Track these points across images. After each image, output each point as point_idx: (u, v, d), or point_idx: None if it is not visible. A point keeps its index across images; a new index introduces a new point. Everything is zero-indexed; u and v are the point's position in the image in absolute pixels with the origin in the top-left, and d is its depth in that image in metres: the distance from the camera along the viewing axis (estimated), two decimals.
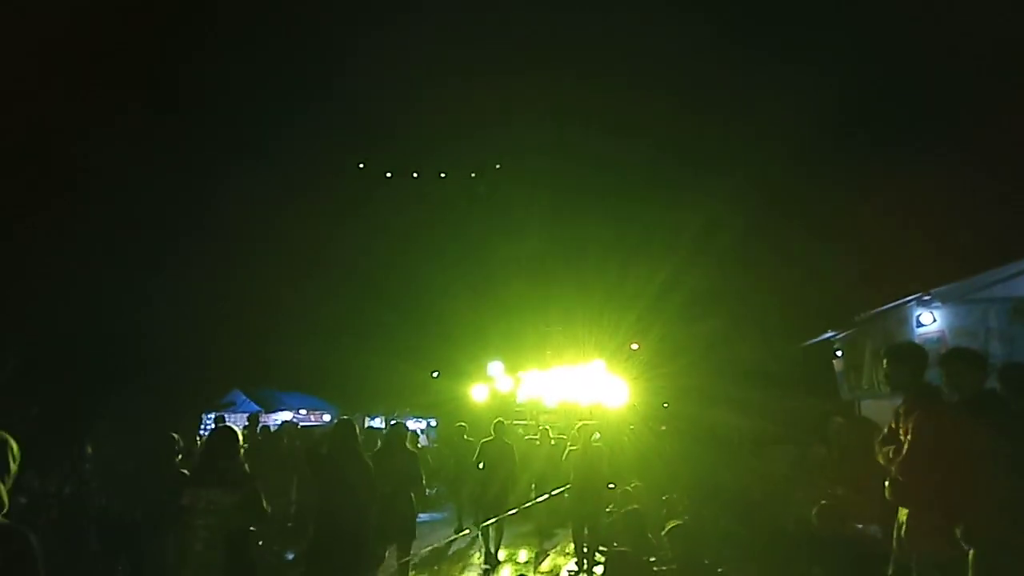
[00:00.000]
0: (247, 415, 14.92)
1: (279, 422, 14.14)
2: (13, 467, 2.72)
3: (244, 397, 17.09)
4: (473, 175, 34.85)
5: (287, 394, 18.37)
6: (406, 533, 7.01)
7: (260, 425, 12.79)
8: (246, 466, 4.85)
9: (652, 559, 6.14)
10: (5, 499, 2.59)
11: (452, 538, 9.46)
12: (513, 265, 26.76)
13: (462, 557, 9.55)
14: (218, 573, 4.39)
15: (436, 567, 8.78)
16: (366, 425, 17.65)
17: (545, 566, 9.39)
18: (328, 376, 19.56)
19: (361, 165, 33.58)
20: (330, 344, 20.00)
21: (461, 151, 32.94)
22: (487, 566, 8.73)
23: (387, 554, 6.75)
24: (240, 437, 4.97)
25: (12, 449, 2.78)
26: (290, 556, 8.04)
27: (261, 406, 16.43)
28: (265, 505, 4.71)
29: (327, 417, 18.91)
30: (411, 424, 19.02)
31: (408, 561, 7.00)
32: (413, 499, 7.22)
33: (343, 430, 6.29)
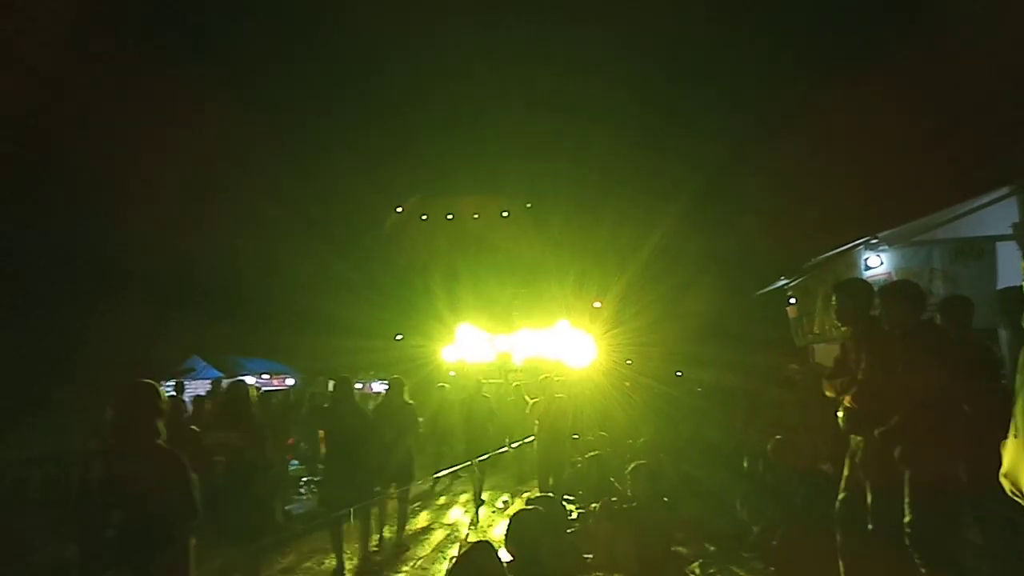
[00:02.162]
0: (209, 381, 14.76)
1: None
2: (163, 407, 3.69)
3: (204, 363, 16.86)
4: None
5: (248, 359, 18.17)
6: (405, 473, 7.88)
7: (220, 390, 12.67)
8: (255, 415, 5.62)
9: (614, 499, 6.32)
10: (163, 431, 3.57)
11: (438, 477, 10.42)
12: (480, 228, 26.71)
13: (448, 494, 10.89)
14: (233, 500, 5.09)
15: (429, 501, 10.32)
16: (330, 387, 17.60)
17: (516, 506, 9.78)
18: (289, 340, 19.40)
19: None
20: (291, 307, 19.79)
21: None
22: (473, 501, 9.79)
23: (390, 490, 7.71)
24: (253, 392, 5.73)
25: (160, 392, 3.77)
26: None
27: (221, 371, 16.23)
28: (269, 445, 5.61)
29: (290, 381, 18.80)
30: (376, 386, 19.07)
31: (406, 496, 7.97)
32: (411, 445, 8.03)
33: (343, 387, 7.18)
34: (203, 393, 13.04)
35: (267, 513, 5.71)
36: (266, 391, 14.74)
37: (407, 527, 8.08)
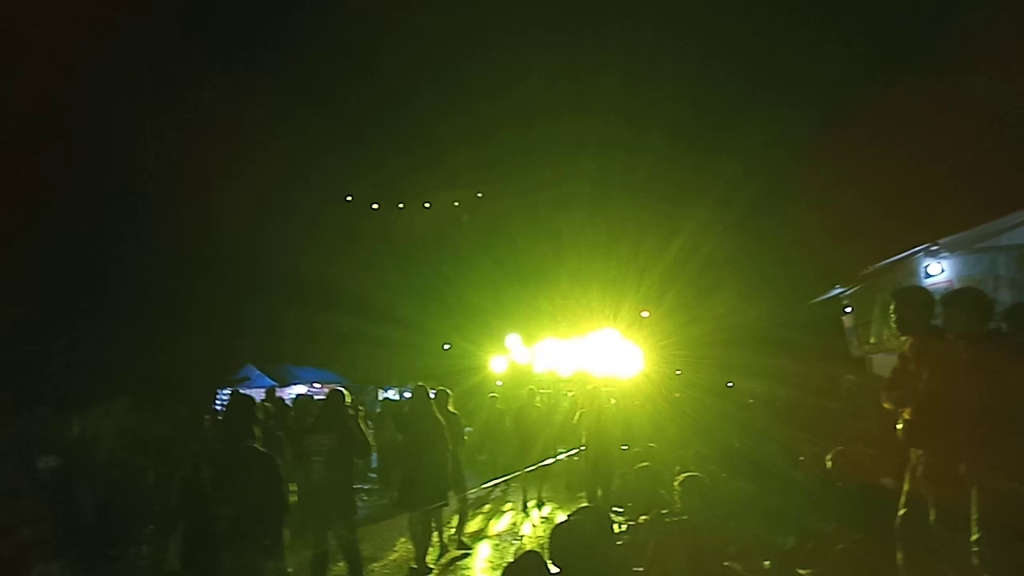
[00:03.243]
0: (264, 389, 15.14)
1: (294, 395, 14.32)
2: (259, 415, 4.27)
3: (258, 372, 17.29)
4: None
5: (300, 368, 18.57)
6: (460, 479, 8.41)
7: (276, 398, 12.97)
8: (349, 417, 6.13)
9: (664, 511, 6.22)
10: (259, 436, 4.11)
11: (489, 486, 10.85)
12: (528, 238, 26.72)
13: (498, 502, 11.15)
14: (329, 495, 5.61)
15: (479, 509, 10.50)
16: (380, 397, 17.84)
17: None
18: (340, 350, 19.75)
19: None
20: (342, 319, 20.13)
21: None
22: (523, 510, 10.31)
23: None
24: (347, 398, 6.27)
25: (256, 403, 4.43)
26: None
27: (275, 380, 16.62)
28: (367, 443, 6.11)
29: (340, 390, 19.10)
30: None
31: (465, 499, 8.51)
32: (458, 453, 8.46)
33: (419, 394, 7.77)
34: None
35: (352, 507, 6.07)
36: (319, 399, 15.04)
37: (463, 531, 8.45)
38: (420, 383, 8.06)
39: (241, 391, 7.32)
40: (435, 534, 7.78)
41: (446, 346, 22.60)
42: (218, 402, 14.54)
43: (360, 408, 6.87)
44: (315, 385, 18.47)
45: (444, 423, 7.77)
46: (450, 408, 8.37)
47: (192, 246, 17.43)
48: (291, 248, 20.64)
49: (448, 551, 8.03)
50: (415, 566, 7.21)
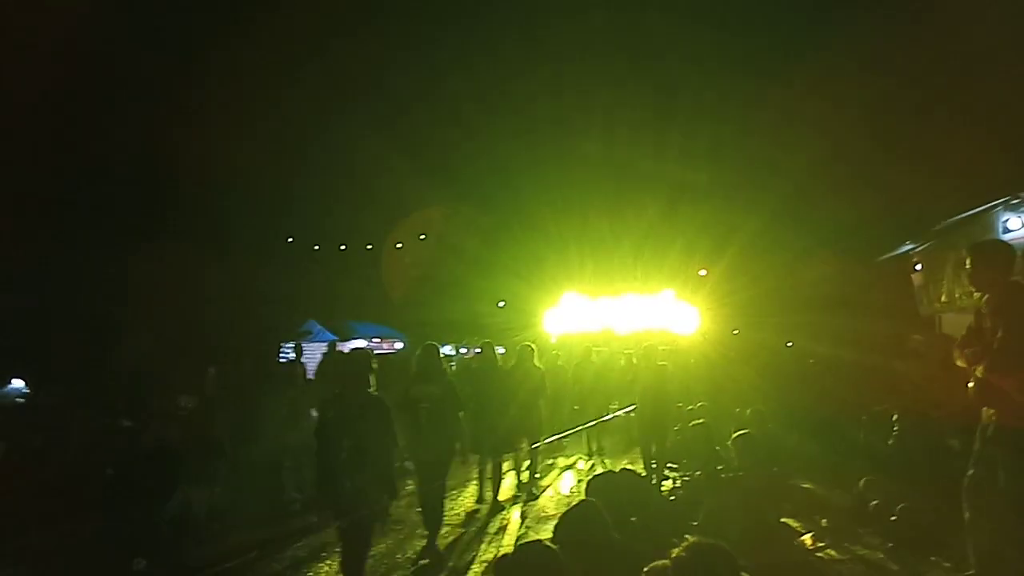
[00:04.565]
0: (326, 343, 15.58)
1: (351, 349, 14.67)
2: (374, 365, 4.92)
3: (320, 327, 17.78)
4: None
5: (360, 324, 19.00)
6: (534, 431, 8.75)
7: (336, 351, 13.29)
8: (445, 371, 6.73)
9: (720, 467, 6.21)
10: (373, 383, 4.79)
11: (559, 437, 10.72)
12: (586, 195, 26.42)
13: (568, 448, 11.34)
14: (435, 438, 6.28)
15: (554, 453, 11.00)
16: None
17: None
18: (399, 306, 20.12)
19: None
20: (399, 274, 20.49)
21: None
22: (587, 456, 11.04)
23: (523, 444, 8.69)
24: (439, 351, 6.77)
25: (372, 356, 5.14)
26: None
27: (336, 334, 17.06)
28: (459, 394, 6.63)
29: (399, 345, 19.53)
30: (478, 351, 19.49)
31: (536, 448, 8.91)
32: (541, 405, 8.93)
33: (487, 351, 8.50)
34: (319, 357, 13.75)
35: (451, 448, 6.67)
36: (378, 353, 15.42)
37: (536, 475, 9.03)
38: (487, 340, 8.72)
39: (362, 349, 7.79)
40: (510, 475, 8.52)
41: (501, 303, 22.74)
42: (282, 354, 15.05)
43: (452, 364, 7.26)
44: (375, 340, 18.93)
45: (507, 376, 8.41)
46: (536, 363, 8.91)
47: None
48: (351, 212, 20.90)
49: (520, 493, 8.56)
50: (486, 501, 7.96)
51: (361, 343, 17.02)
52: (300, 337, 16.75)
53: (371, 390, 4.80)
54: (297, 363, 11.62)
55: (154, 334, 14.78)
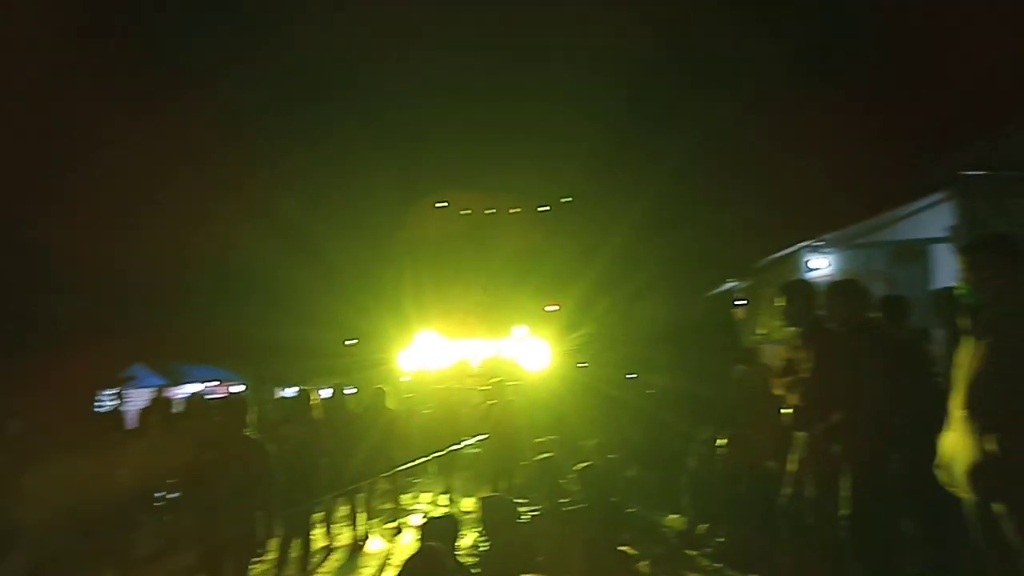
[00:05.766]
0: (152, 389, 14.29)
1: (186, 395, 13.58)
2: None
3: (146, 371, 16.32)
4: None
5: (194, 366, 17.68)
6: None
7: (163, 398, 12.23)
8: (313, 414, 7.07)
9: (563, 500, 6.29)
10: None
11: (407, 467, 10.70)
12: (439, 236, 26.40)
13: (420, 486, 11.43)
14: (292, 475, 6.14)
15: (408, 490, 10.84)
16: (277, 395, 17.27)
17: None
18: (237, 347, 18.88)
19: None
20: (238, 312, 19.27)
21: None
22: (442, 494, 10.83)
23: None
24: (315, 398, 7.33)
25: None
26: None
27: (166, 379, 15.74)
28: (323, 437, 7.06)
29: (237, 388, 18.34)
30: (324, 392, 18.74)
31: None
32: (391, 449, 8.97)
33: (377, 394, 8.92)
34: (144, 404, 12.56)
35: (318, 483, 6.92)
36: (214, 398, 14.35)
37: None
38: (379, 386, 9.13)
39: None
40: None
41: (350, 341, 22.08)
42: (97, 404, 13.61)
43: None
44: (210, 383, 17.64)
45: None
46: (388, 406, 9.13)
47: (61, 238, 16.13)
48: (179, 241, 19.43)
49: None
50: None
51: (195, 388, 15.82)
52: (123, 383, 15.28)
53: (248, 433, 4.99)
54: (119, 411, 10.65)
55: None
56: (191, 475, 4.99)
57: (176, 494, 8.00)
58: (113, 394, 12.89)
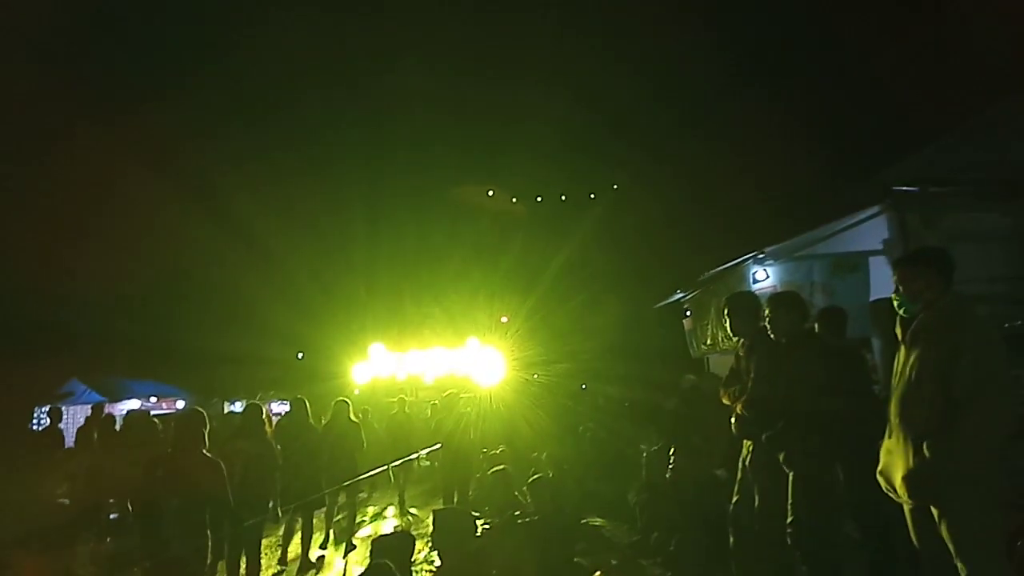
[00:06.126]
0: (90, 406, 13.77)
1: (125, 411, 13.14)
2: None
3: (84, 386, 15.67)
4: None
5: (135, 381, 17.06)
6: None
7: (104, 415, 11.81)
8: (266, 428, 7.01)
9: (517, 512, 6.30)
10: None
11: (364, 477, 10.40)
12: (391, 249, 26.23)
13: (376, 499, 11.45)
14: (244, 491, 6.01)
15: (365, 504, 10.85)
16: (226, 410, 16.80)
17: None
18: (180, 360, 18.30)
19: None
20: (182, 324, 18.72)
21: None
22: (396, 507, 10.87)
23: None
24: (266, 413, 7.13)
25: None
26: None
27: (105, 395, 15.16)
28: (276, 452, 7.03)
29: (180, 404, 17.80)
30: (275, 407, 18.35)
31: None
32: (356, 459, 8.82)
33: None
34: (83, 421, 12.07)
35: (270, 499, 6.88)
36: (155, 415, 13.88)
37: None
38: (342, 399, 8.85)
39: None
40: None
41: (299, 355, 21.69)
42: (35, 421, 13.08)
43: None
44: (152, 399, 17.08)
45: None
46: (352, 417, 8.91)
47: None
48: (122, 251, 18.77)
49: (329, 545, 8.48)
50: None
51: (135, 403, 15.31)
52: (60, 399, 14.67)
53: (205, 451, 4.98)
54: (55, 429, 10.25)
55: None
56: (140, 493, 4.87)
57: (115, 515, 7.74)
58: (48, 410, 12.36)
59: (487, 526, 7.39)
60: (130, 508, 6.40)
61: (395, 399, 12.90)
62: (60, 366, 15.82)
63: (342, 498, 8.68)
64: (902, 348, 3.35)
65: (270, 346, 19.46)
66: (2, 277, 15.16)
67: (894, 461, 3.22)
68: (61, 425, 11.14)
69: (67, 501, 7.92)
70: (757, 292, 6.43)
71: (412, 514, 10.35)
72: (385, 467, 10.44)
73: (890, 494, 3.29)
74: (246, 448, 6.65)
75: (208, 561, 4.94)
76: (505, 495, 7.20)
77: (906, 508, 3.25)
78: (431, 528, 5.97)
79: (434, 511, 5.42)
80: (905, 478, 3.14)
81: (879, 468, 3.33)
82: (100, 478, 7.35)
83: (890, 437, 3.28)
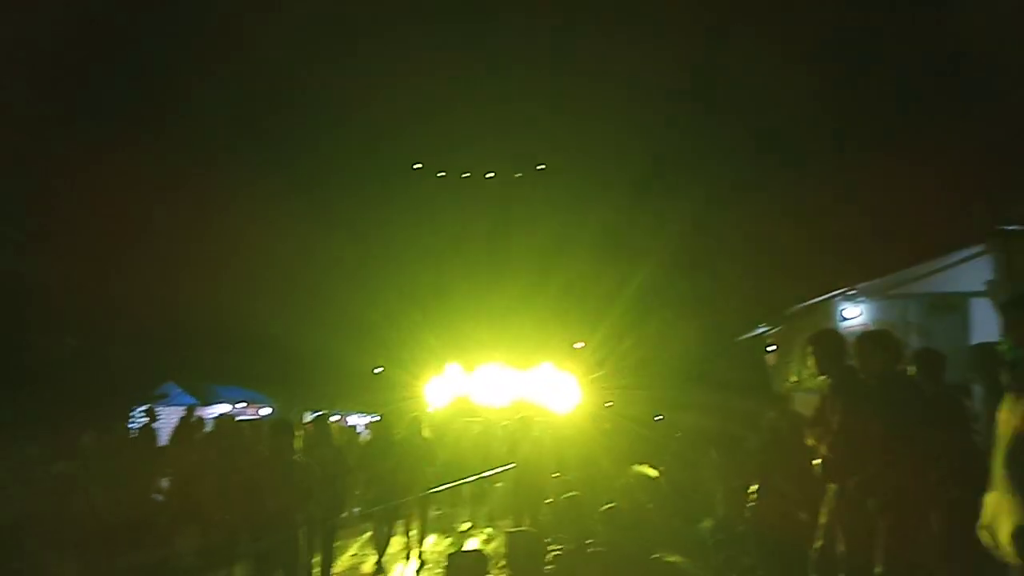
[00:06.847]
0: (183, 408, 14.51)
1: (215, 415, 13.76)
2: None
3: (179, 389, 16.59)
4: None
5: (224, 387, 17.90)
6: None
7: (195, 418, 12.41)
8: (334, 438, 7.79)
9: (588, 541, 6.25)
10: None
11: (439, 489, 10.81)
12: (468, 268, 26.66)
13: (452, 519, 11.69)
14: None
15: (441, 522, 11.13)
16: (304, 420, 17.38)
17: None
18: (266, 369, 19.08)
19: None
20: (270, 336, 19.52)
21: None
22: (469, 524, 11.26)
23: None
24: (334, 426, 7.86)
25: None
26: None
27: (197, 398, 15.97)
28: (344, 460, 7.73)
29: (265, 411, 18.53)
30: (352, 419, 18.86)
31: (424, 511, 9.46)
32: (427, 475, 9.28)
33: (413, 423, 9.09)
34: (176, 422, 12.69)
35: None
36: (240, 420, 14.50)
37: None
38: (415, 415, 9.52)
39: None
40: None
41: (377, 369, 22.23)
42: (133, 420, 13.86)
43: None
44: (239, 404, 17.86)
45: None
46: (425, 434, 9.34)
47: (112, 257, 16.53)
48: (210, 263, 19.76)
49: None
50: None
51: (225, 408, 16.05)
52: (155, 400, 15.53)
53: (296, 456, 5.48)
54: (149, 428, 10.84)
55: None
56: (241, 494, 5.32)
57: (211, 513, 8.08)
58: (144, 411, 13.06)
59: (558, 552, 7.37)
60: (226, 507, 6.71)
61: (476, 419, 13.02)
62: (159, 368, 16.80)
63: (416, 512, 8.85)
64: (1008, 396, 3.19)
65: (351, 359, 20.03)
66: (120, 283, 16.24)
67: (1000, 516, 3.06)
68: (155, 425, 11.78)
69: (161, 498, 8.36)
70: (845, 330, 6.21)
71: (484, 532, 10.42)
72: (459, 482, 10.55)
73: (993, 551, 3.12)
74: (319, 455, 6.97)
75: (298, 554, 5.34)
76: (577, 522, 7.15)
77: (1012, 565, 3.08)
78: (503, 548, 6.01)
79: (507, 533, 5.51)
80: (1014, 534, 2.98)
81: (982, 522, 3.17)
82: (198, 478, 7.74)
83: (996, 490, 3.12)
